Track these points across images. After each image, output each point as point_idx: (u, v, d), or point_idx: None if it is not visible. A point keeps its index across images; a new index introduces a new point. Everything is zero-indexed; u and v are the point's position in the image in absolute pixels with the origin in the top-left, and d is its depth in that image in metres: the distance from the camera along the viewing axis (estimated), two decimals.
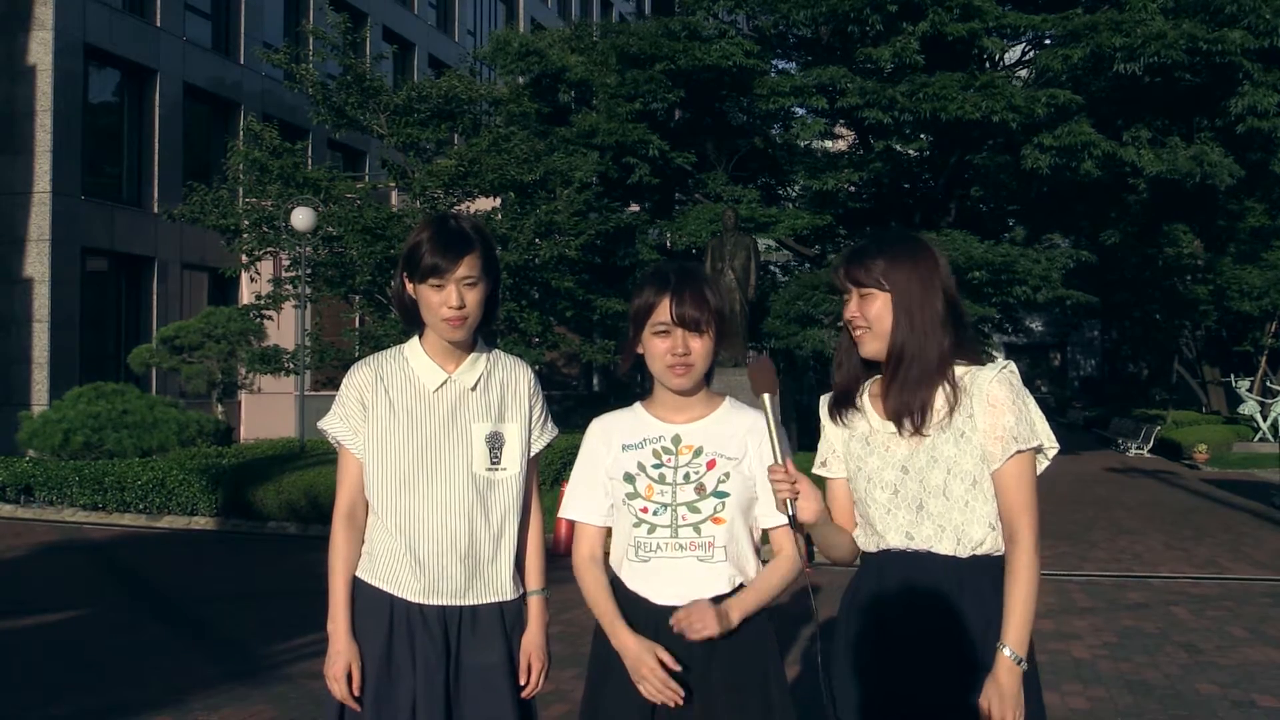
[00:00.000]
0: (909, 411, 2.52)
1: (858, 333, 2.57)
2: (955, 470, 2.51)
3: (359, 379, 2.83)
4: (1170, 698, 5.88)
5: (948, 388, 2.52)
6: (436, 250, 2.71)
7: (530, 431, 2.90)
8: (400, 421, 2.78)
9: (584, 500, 2.75)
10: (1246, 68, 16.48)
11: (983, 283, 17.02)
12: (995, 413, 2.51)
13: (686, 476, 2.63)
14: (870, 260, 2.55)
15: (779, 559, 2.68)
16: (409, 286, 2.79)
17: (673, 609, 2.58)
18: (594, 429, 2.79)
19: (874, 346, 2.56)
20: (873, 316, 2.54)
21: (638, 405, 2.76)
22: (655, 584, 2.62)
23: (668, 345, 2.61)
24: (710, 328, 2.61)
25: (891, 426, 2.58)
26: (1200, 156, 17.03)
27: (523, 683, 2.82)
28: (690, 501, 2.60)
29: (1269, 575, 9.77)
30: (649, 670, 2.53)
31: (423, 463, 2.77)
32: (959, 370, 2.55)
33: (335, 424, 2.84)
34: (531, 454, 2.92)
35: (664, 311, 2.60)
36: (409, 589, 2.75)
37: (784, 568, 2.66)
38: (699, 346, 2.61)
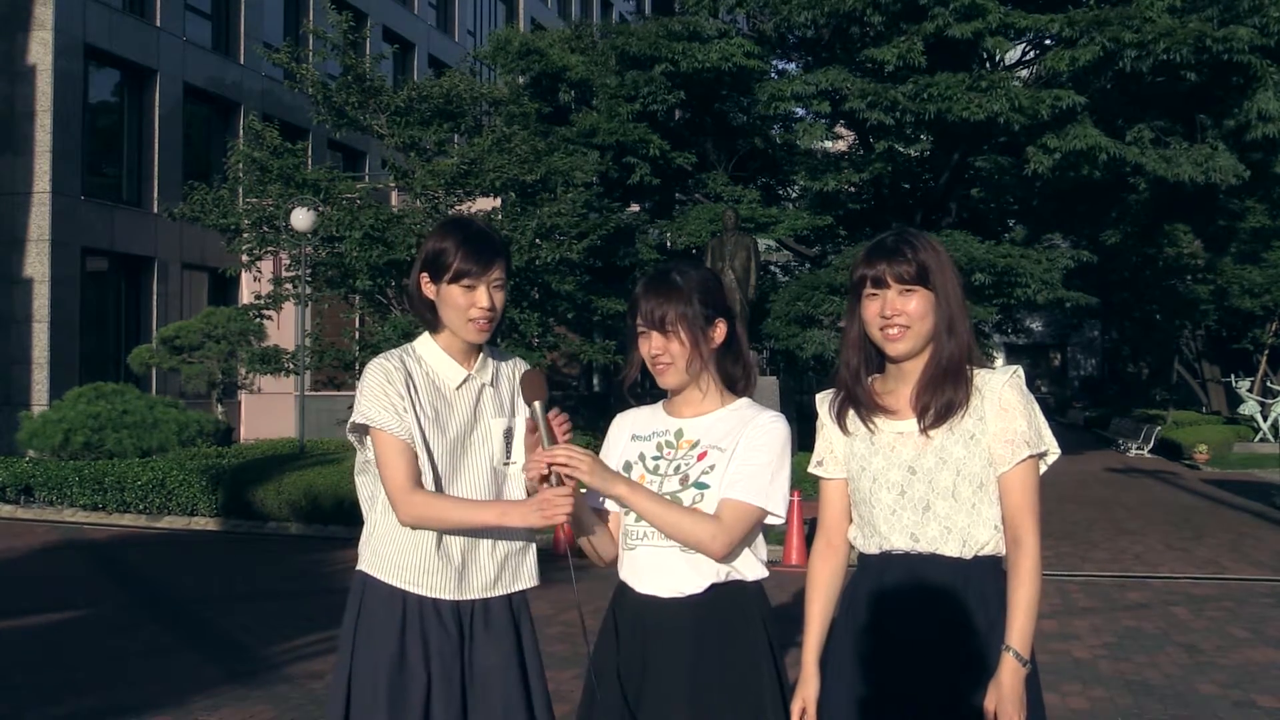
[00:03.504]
0: (951, 410, 2.51)
1: (894, 330, 2.53)
2: (964, 472, 2.51)
3: (388, 368, 2.77)
4: (1170, 698, 5.87)
5: (967, 387, 2.53)
6: (470, 254, 2.74)
7: None
8: (429, 420, 2.79)
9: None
10: (1256, 67, 16.43)
11: (984, 285, 17.00)
12: (1007, 417, 2.51)
13: (677, 468, 2.64)
14: (912, 256, 2.53)
15: (703, 515, 2.56)
16: (429, 287, 2.80)
17: (652, 598, 2.60)
18: (616, 421, 2.84)
19: (908, 345, 2.54)
20: (915, 314, 2.52)
21: (660, 402, 2.79)
22: (638, 572, 2.64)
23: (646, 347, 2.64)
24: (677, 327, 2.60)
25: (898, 426, 2.57)
26: (1205, 162, 16.99)
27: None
28: (673, 492, 2.60)
29: (1269, 575, 9.77)
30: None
31: (452, 460, 2.79)
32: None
33: (375, 413, 2.73)
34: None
35: (640, 314, 2.65)
36: (437, 587, 2.76)
37: (704, 520, 2.54)
38: (671, 346, 2.61)
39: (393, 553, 2.79)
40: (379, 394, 2.75)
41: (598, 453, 2.79)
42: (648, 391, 2.79)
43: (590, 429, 15.82)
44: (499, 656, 2.77)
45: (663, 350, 2.62)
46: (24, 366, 19.73)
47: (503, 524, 2.68)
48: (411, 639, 2.74)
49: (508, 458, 2.85)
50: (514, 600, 2.85)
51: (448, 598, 2.76)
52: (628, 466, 2.70)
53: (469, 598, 2.78)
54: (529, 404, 2.64)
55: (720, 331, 2.66)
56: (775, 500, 2.59)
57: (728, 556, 2.59)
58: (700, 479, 2.60)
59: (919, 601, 2.50)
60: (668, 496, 2.60)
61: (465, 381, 2.83)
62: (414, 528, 2.76)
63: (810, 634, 2.66)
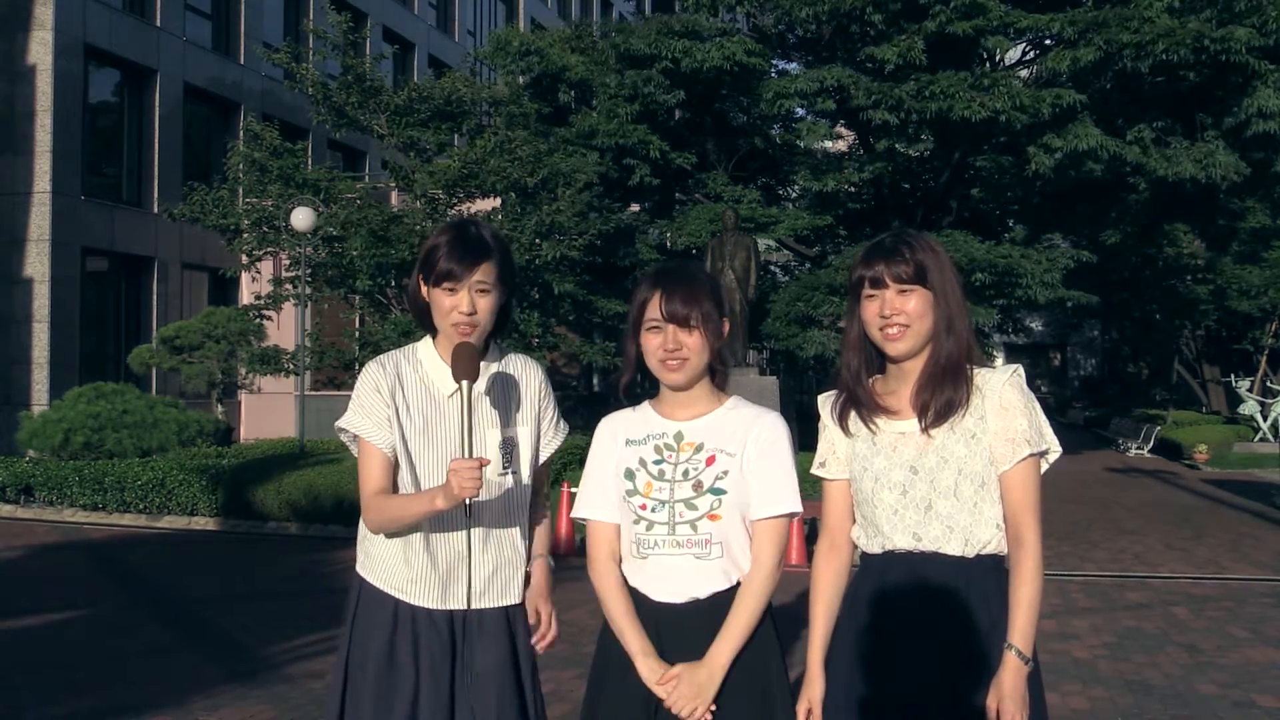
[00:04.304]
0: (951, 409, 2.52)
1: (893, 330, 2.54)
2: (966, 471, 2.51)
3: (379, 374, 2.78)
4: (1170, 698, 5.87)
5: (967, 386, 2.54)
6: (453, 255, 2.68)
7: (540, 435, 2.90)
8: (417, 427, 2.76)
9: (596, 498, 2.74)
10: (1254, 66, 16.45)
11: (985, 285, 17.00)
12: (1008, 415, 2.52)
13: (685, 473, 2.62)
14: (910, 256, 2.54)
15: (751, 577, 2.60)
16: (423, 289, 2.77)
17: (670, 605, 2.60)
18: (602, 426, 2.80)
19: (908, 345, 2.55)
20: (914, 313, 2.53)
21: (645, 403, 2.76)
22: (653, 581, 2.62)
23: (659, 341, 2.61)
24: (700, 324, 2.60)
25: (899, 426, 2.58)
26: (1206, 160, 17.00)
27: (536, 639, 2.83)
28: (687, 498, 2.60)
29: (1269, 575, 9.77)
30: (655, 687, 2.56)
31: (441, 470, 2.74)
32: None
33: (358, 420, 2.76)
34: (543, 459, 2.91)
35: (655, 308, 2.61)
36: (423, 596, 2.74)
37: (758, 585, 2.59)
38: (691, 342, 2.60)
39: (381, 557, 2.79)
40: (364, 401, 2.76)
41: (575, 458, 2.80)
42: (646, 392, 2.78)
43: (590, 429, 15.82)
44: (493, 658, 2.76)
45: (681, 345, 2.60)
46: (24, 366, 19.73)
47: (434, 509, 2.62)
48: (402, 638, 2.73)
49: (505, 467, 2.79)
50: (510, 612, 2.83)
51: (433, 607, 2.74)
52: (630, 474, 2.67)
53: (455, 608, 2.76)
54: (457, 382, 2.63)
55: (725, 330, 2.67)
56: (798, 499, 2.66)
57: (738, 559, 2.61)
58: (716, 485, 2.60)
59: (921, 600, 2.50)
60: (681, 503, 2.60)
61: (458, 390, 2.77)
62: (385, 534, 2.77)
63: (815, 634, 2.66)
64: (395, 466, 2.76)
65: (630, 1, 42.51)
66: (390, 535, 2.77)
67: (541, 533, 2.96)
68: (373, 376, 2.77)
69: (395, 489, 2.77)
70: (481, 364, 2.80)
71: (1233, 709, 5.69)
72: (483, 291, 2.70)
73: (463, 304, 2.68)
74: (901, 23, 17.18)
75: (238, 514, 12.61)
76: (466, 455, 2.58)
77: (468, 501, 2.57)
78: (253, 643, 7.07)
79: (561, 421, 2.99)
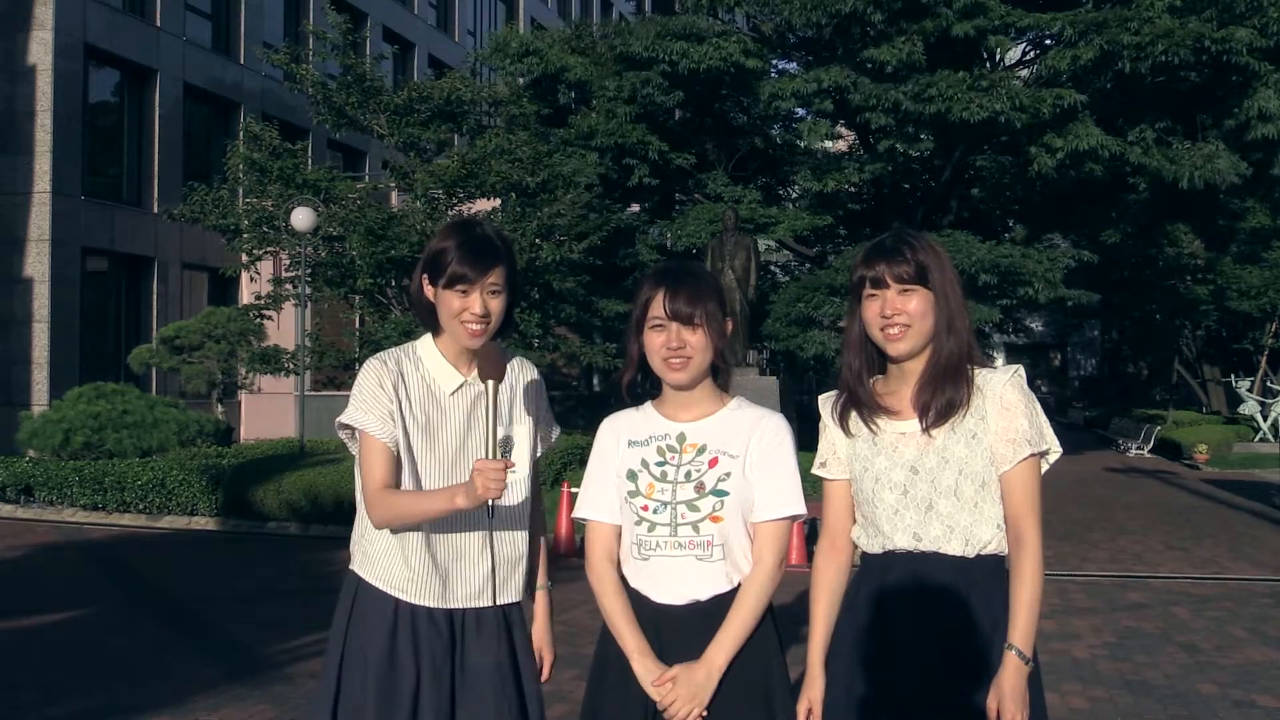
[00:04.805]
0: (952, 409, 2.52)
1: (894, 330, 2.54)
2: (966, 471, 2.51)
3: (381, 370, 2.76)
4: (1170, 698, 5.87)
5: (968, 387, 2.54)
6: (465, 258, 2.68)
7: (536, 433, 2.91)
8: (419, 424, 2.75)
9: (597, 498, 2.73)
10: (1254, 67, 16.46)
11: (990, 285, 17.01)
12: (1009, 415, 2.52)
13: (688, 475, 2.62)
14: (911, 256, 2.54)
15: (751, 578, 2.59)
16: (429, 290, 2.76)
17: (671, 607, 2.60)
18: (604, 427, 2.80)
19: (909, 344, 2.55)
20: (915, 313, 2.53)
21: (647, 404, 2.75)
22: (654, 582, 2.62)
23: (663, 339, 2.60)
24: (704, 322, 2.60)
25: (900, 427, 2.58)
26: (1205, 165, 17.01)
27: (541, 678, 2.85)
28: (690, 500, 2.60)
29: (1269, 575, 9.77)
30: (651, 688, 2.56)
31: (442, 468, 2.75)
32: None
33: (360, 415, 2.73)
34: (537, 455, 2.92)
35: (658, 306, 2.61)
36: (423, 595, 2.74)
37: (757, 587, 2.58)
38: (695, 340, 2.60)
39: (380, 556, 2.78)
40: (367, 396, 2.74)
41: (575, 458, 2.80)
42: (647, 392, 2.77)
43: (590, 430, 15.81)
44: (491, 657, 2.76)
45: (685, 344, 2.59)
46: (24, 366, 19.73)
47: (454, 507, 2.59)
48: (402, 637, 2.73)
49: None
50: (508, 610, 2.83)
51: (433, 605, 2.74)
52: (632, 475, 2.67)
53: (454, 607, 2.75)
54: (483, 381, 2.61)
55: (728, 330, 2.67)
56: (802, 502, 2.65)
57: (739, 561, 2.61)
58: (719, 486, 2.60)
59: (922, 600, 2.50)
60: (684, 505, 2.60)
61: (460, 388, 2.77)
62: (390, 529, 2.75)
63: (815, 634, 2.66)
64: (397, 461, 2.76)
65: (630, 2, 42.52)
66: (394, 532, 2.76)
67: (540, 555, 2.95)
68: (375, 372, 2.76)
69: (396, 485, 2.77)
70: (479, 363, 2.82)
71: (1233, 709, 5.69)
72: (495, 293, 2.72)
73: (475, 306, 2.69)
74: (901, 23, 17.18)
75: (238, 514, 12.61)
76: (490, 456, 2.56)
77: (490, 503, 2.56)
78: (253, 643, 7.07)
79: (554, 422, 3.01)
